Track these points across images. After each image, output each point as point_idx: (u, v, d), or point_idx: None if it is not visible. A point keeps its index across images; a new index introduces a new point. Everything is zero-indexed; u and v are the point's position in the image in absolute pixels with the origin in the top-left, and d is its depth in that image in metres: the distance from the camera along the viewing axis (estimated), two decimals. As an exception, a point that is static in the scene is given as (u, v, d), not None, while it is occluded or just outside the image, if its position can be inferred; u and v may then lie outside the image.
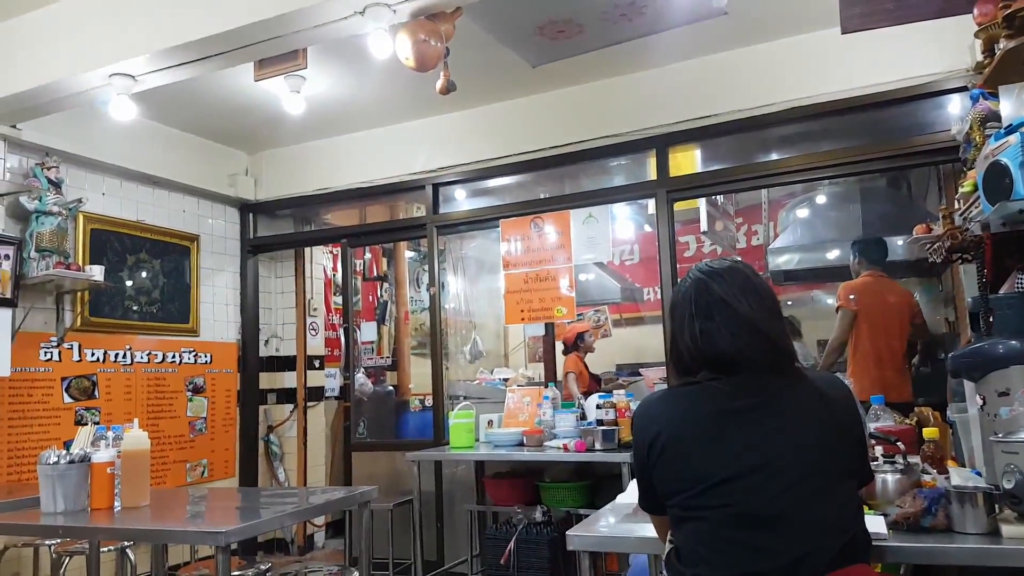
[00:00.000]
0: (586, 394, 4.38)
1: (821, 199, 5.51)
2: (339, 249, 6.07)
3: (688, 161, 4.42)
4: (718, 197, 5.18)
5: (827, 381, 1.57)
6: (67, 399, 4.25)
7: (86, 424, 4.15)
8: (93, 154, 4.37)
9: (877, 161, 3.92)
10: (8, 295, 3.79)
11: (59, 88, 3.47)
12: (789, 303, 6.25)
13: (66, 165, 4.21)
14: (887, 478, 1.76)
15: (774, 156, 4.28)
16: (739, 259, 1.67)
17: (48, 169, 4.04)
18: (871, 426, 2.04)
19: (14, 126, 3.90)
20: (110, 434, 2.62)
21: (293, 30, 2.94)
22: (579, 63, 4.13)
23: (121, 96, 3.40)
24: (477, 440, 4.21)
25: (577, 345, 5.60)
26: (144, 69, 3.28)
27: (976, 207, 1.94)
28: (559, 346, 5.58)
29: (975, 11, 1.92)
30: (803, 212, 5.61)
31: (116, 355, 4.53)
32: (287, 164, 5.38)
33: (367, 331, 6.36)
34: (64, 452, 2.51)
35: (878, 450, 1.85)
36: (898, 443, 1.87)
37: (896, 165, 4.07)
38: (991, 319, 1.99)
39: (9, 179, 3.94)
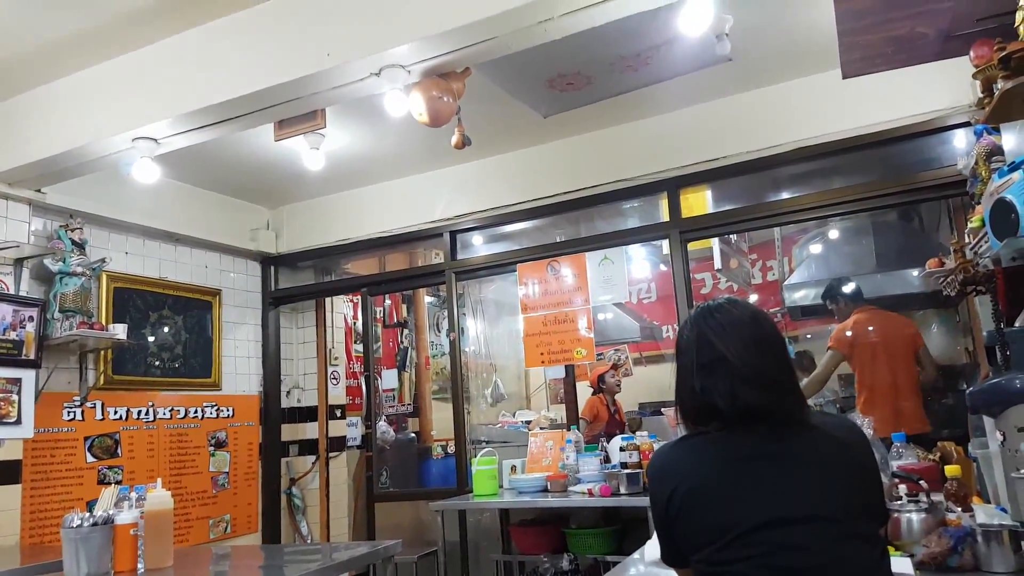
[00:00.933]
0: (609, 436, 4.34)
1: (834, 234, 5.53)
2: (359, 297, 6.13)
3: (700, 202, 4.47)
4: (732, 236, 5.22)
5: (842, 426, 1.54)
6: (90, 458, 4.26)
7: (109, 483, 4.17)
8: (116, 214, 4.46)
9: (886, 197, 3.95)
10: (32, 356, 3.83)
11: (84, 153, 3.57)
12: (808, 336, 6.23)
13: (90, 226, 4.29)
14: (912, 517, 1.74)
15: (785, 195, 4.31)
16: (741, 301, 1.61)
17: (72, 231, 4.12)
18: (893, 464, 2.02)
19: (39, 190, 3.99)
20: (133, 495, 2.61)
21: (312, 92, 3.04)
22: (589, 112, 4.23)
23: (144, 159, 3.50)
24: (501, 486, 4.19)
25: (600, 387, 5.59)
26: (167, 132, 3.38)
27: (985, 242, 1.96)
28: (582, 387, 5.58)
29: (971, 53, 1.96)
30: (816, 247, 5.64)
31: (139, 412, 4.57)
32: (307, 217, 5.49)
33: (388, 378, 6.38)
34: (87, 514, 2.49)
35: (901, 489, 1.82)
36: (921, 482, 1.85)
37: (905, 200, 4.10)
38: (1008, 352, 1.98)
39: (33, 242, 4.01)
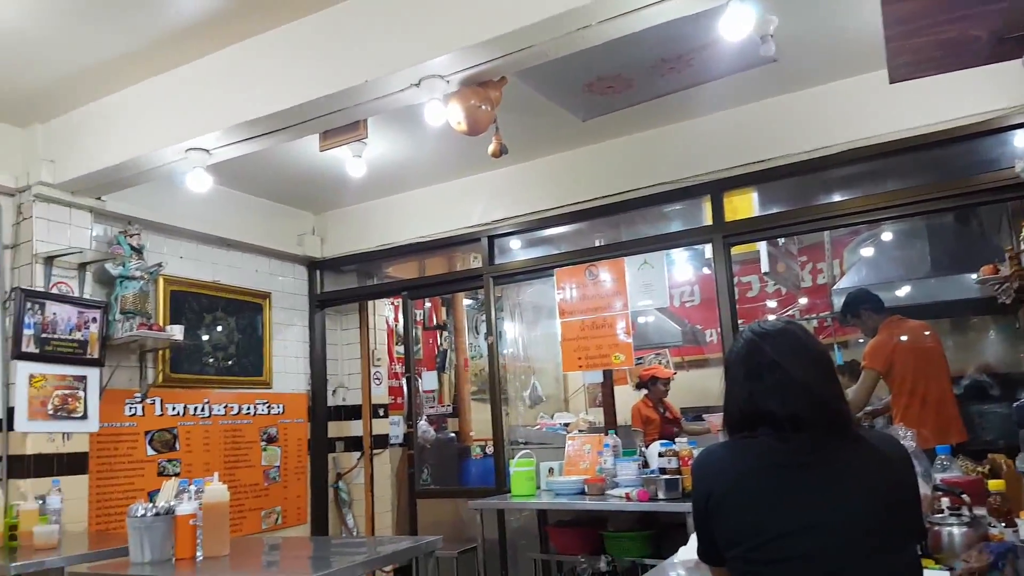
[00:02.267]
0: (666, 438, 4.31)
1: (887, 236, 5.38)
2: (400, 300, 6.25)
3: (745, 205, 4.39)
4: (779, 239, 5.14)
5: (885, 441, 1.57)
6: (150, 451, 4.47)
7: (168, 475, 4.36)
8: (172, 220, 4.66)
9: (941, 200, 3.80)
10: (96, 355, 4.05)
11: (140, 163, 3.75)
12: (860, 341, 6.09)
13: (147, 232, 4.48)
14: (953, 531, 1.72)
15: (835, 197, 4.19)
16: (792, 320, 1.72)
17: (131, 236, 4.31)
18: (937, 477, 2.00)
19: (99, 198, 4.19)
20: (192, 488, 2.76)
21: (355, 103, 3.13)
22: (629, 115, 4.20)
23: (197, 169, 3.65)
24: (538, 488, 4.24)
25: (648, 386, 5.56)
26: (217, 143, 3.52)
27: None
28: (620, 391, 5.55)
29: (1024, 58, 1.91)
30: (868, 250, 5.49)
31: (195, 408, 4.75)
32: (351, 222, 5.62)
33: (428, 380, 6.49)
34: (151, 505, 2.65)
35: (944, 502, 1.81)
36: (964, 495, 1.83)
37: (961, 204, 3.94)
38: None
39: (95, 247, 4.21)
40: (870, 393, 4.19)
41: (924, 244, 5.04)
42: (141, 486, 4.33)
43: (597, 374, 5.00)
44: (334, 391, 5.83)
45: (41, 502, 3.40)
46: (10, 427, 3.76)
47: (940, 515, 1.80)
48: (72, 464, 3.92)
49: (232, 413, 4.99)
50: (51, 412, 3.83)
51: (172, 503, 2.68)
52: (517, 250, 5.20)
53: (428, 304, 6.83)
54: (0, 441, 3.77)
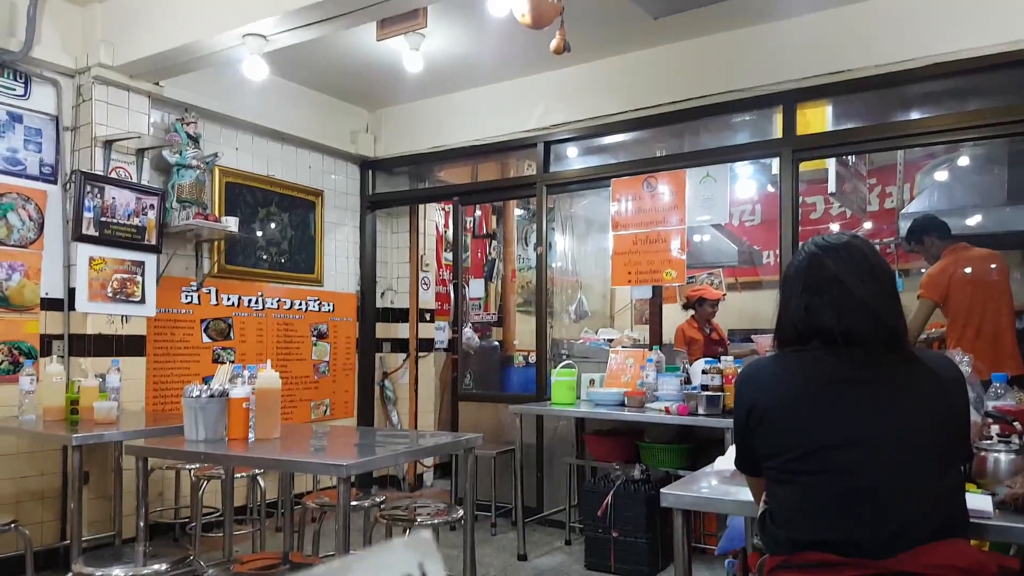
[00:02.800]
0: (711, 359, 4.27)
1: (964, 161, 5.10)
2: (451, 206, 6.22)
3: (818, 119, 4.18)
4: (849, 157, 4.90)
5: (940, 362, 1.53)
6: (205, 339, 4.63)
7: (223, 362, 4.53)
8: (228, 111, 4.66)
9: (1027, 122, 3.56)
10: (154, 242, 4.16)
11: (197, 48, 3.72)
12: (923, 271, 5.87)
13: (203, 120, 4.50)
14: (1000, 457, 1.69)
15: (914, 115, 3.98)
16: (858, 234, 1.64)
17: (187, 124, 4.34)
18: (989, 404, 1.94)
19: (157, 83, 4.19)
20: (246, 372, 2.84)
21: (414, -13, 3.02)
22: (704, 14, 3.97)
23: (254, 56, 3.60)
24: (578, 398, 4.27)
25: (695, 306, 5.48)
26: (274, 29, 3.46)
27: None
28: (668, 309, 5.49)
29: None
30: (942, 174, 5.22)
31: (249, 300, 4.88)
32: (405, 121, 5.54)
33: (475, 288, 6.52)
34: (205, 387, 2.74)
35: (993, 429, 1.76)
36: (1015, 423, 1.77)
37: None
38: None
39: (153, 134, 4.26)
40: (924, 323, 4.07)
41: (1003, 170, 4.77)
42: (196, 371, 4.52)
43: (646, 290, 4.92)
44: (383, 293, 5.91)
45: (101, 380, 3.53)
46: (71, 307, 3.93)
47: (988, 441, 1.75)
48: (130, 346, 4.10)
49: (284, 308, 5.11)
50: (110, 295, 3.97)
51: (226, 386, 2.76)
52: (573, 158, 5.07)
53: (479, 212, 6.80)
54: (62, 320, 3.94)
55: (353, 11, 3.23)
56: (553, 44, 2.99)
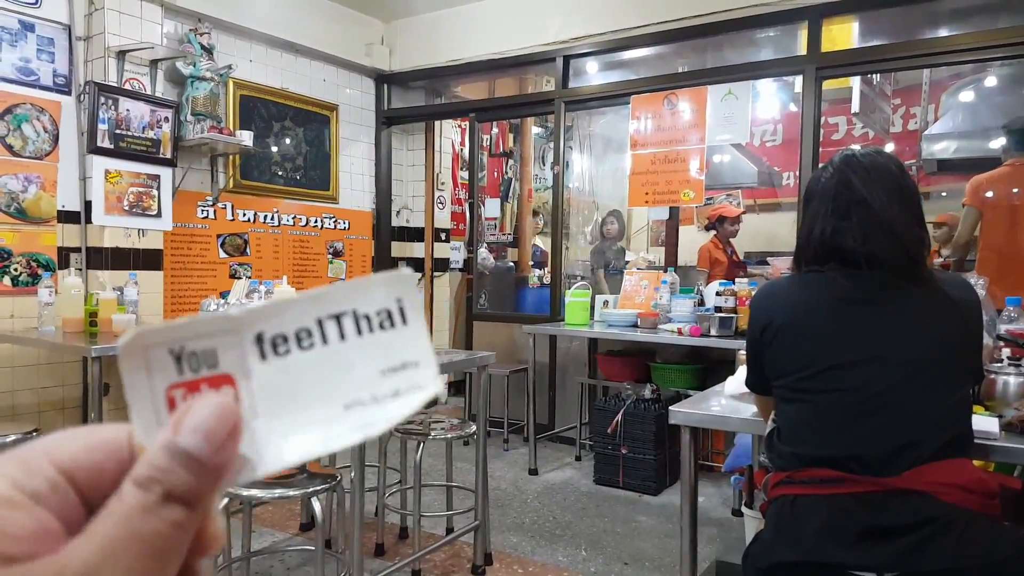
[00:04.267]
0: (731, 280, 4.24)
1: (991, 81, 4.93)
2: (467, 123, 6.13)
3: (844, 35, 4.04)
4: (874, 76, 4.75)
5: (957, 284, 1.52)
6: (222, 254, 4.67)
7: (239, 278, 4.58)
8: (241, 21, 4.55)
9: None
10: (169, 155, 4.13)
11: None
12: (944, 194, 5.78)
13: (217, 31, 4.41)
14: (1009, 380, 1.70)
15: (943, 32, 3.85)
16: (887, 151, 1.60)
17: (201, 35, 4.24)
18: (1002, 327, 1.94)
19: (169, -10, 4.11)
20: (262, 288, 2.89)
21: None
22: (729, -77, 3.80)
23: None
24: (592, 318, 4.31)
25: (715, 227, 5.43)
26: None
27: None
28: (685, 231, 5.45)
29: None
30: (968, 96, 5.05)
31: (265, 216, 4.89)
32: (420, 33, 5.40)
33: (491, 207, 6.50)
34: (222, 301, 2.79)
35: (1004, 352, 1.77)
36: (1026, 346, 1.78)
37: None
38: None
39: (166, 44, 4.17)
40: (971, 231, 3.94)
41: (1030, 91, 4.60)
42: (213, 286, 4.57)
43: (663, 211, 4.89)
44: (398, 212, 5.90)
45: (119, 293, 3.56)
46: (88, 220, 3.94)
47: (999, 364, 1.76)
48: (147, 260, 4.12)
49: (300, 224, 5.12)
50: (127, 208, 3.98)
51: (243, 301, 2.80)
52: (593, 74, 4.95)
53: (495, 130, 6.70)
54: (79, 233, 3.98)
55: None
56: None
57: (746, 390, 1.76)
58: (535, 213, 6.78)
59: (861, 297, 1.46)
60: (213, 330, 0.32)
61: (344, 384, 0.32)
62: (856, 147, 1.60)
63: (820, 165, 2.05)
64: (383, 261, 5.78)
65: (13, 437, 3.05)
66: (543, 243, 6.50)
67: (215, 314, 0.32)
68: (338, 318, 0.33)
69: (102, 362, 3.08)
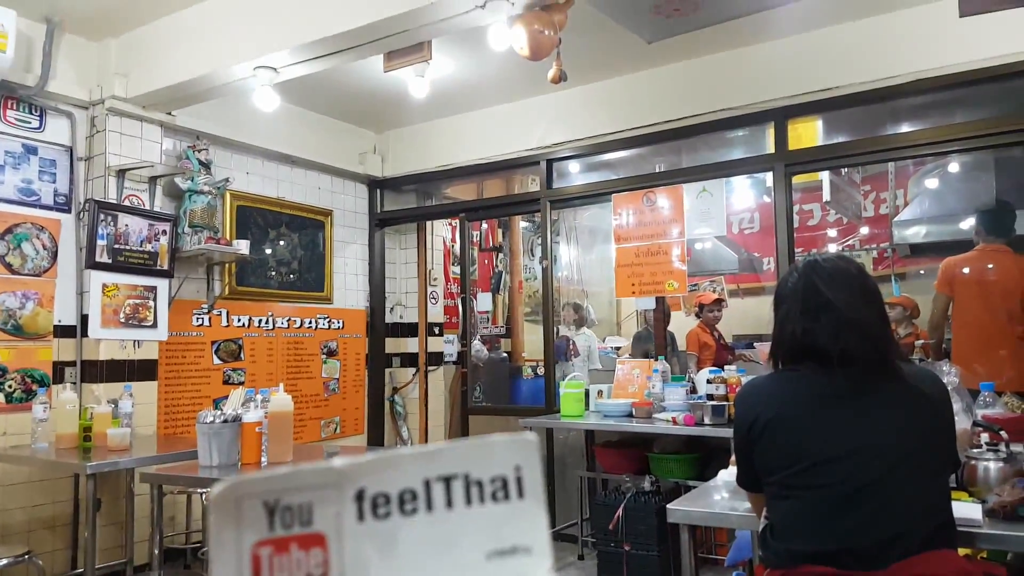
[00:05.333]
0: (721, 365, 4.34)
1: (952, 168, 5.20)
2: (458, 222, 6.31)
3: (809, 133, 4.29)
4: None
5: (925, 378, 1.62)
6: (216, 360, 4.69)
7: (233, 384, 4.59)
8: (239, 136, 4.74)
9: (1014, 134, 3.66)
10: (166, 267, 4.21)
11: (209, 80, 3.82)
12: (921, 272, 5.96)
13: (215, 147, 4.58)
14: (989, 466, 1.77)
15: (902, 128, 4.09)
16: (848, 255, 1.73)
17: (199, 151, 4.41)
18: (978, 413, 2.02)
19: (170, 113, 4.28)
20: (258, 397, 2.90)
21: (420, 24, 3.12)
22: (695, 37, 4.06)
23: (264, 87, 3.71)
24: (587, 409, 4.35)
25: (701, 313, 5.55)
26: (285, 62, 3.56)
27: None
28: (675, 317, 5.58)
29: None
30: (932, 182, 5.32)
31: (259, 321, 4.96)
32: (411, 142, 5.65)
33: (483, 301, 6.62)
34: (219, 412, 2.79)
35: (983, 437, 1.84)
36: (1002, 432, 1.86)
37: None
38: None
39: (165, 161, 4.32)
40: (939, 316, 4.06)
41: (991, 177, 4.86)
42: (208, 393, 4.58)
43: (650, 301, 5.01)
44: (392, 308, 6.00)
45: (113, 406, 3.56)
46: (84, 334, 3.98)
47: (978, 450, 1.83)
48: (143, 370, 4.14)
49: (295, 326, 5.19)
50: (123, 320, 4.02)
51: (239, 411, 2.81)
52: (575, 174, 5.18)
53: (485, 226, 6.90)
54: (75, 347, 4.01)
55: (361, 45, 3.33)
56: (551, 74, 3.09)
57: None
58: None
59: (838, 393, 1.55)
60: (313, 483, 0.30)
61: (444, 565, 0.29)
62: (817, 252, 1.73)
63: (788, 268, 2.19)
64: (377, 358, 5.84)
65: (5, 561, 3.01)
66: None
67: (318, 465, 0.31)
68: (448, 481, 0.30)
69: (96, 479, 3.05)
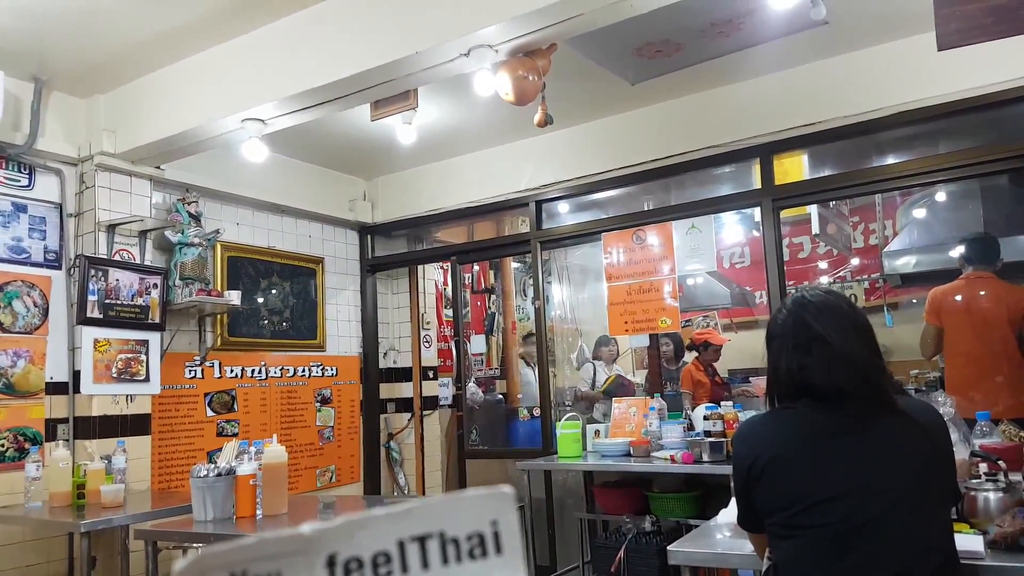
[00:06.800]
0: (716, 402, 4.31)
1: (940, 197, 5.26)
2: (449, 265, 6.32)
3: (795, 168, 4.33)
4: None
5: (922, 410, 1.61)
6: (209, 412, 4.65)
7: (227, 436, 4.55)
8: (228, 188, 4.77)
9: (995, 163, 3.71)
10: (157, 320, 4.20)
11: (198, 133, 3.84)
12: (914, 301, 5.97)
13: (204, 199, 4.61)
14: (989, 496, 1.76)
15: (887, 160, 4.12)
16: (835, 290, 1.73)
17: (188, 204, 4.42)
18: (975, 443, 2.01)
19: (159, 167, 4.30)
20: (252, 449, 2.87)
21: (405, 73, 3.16)
22: (678, 78, 4.16)
23: (252, 139, 3.74)
24: (585, 449, 4.32)
25: (699, 349, 5.53)
26: (272, 114, 3.60)
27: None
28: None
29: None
30: (920, 212, 5.37)
31: (252, 371, 4.93)
32: (401, 187, 5.70)
33: (476, 343, 6.59)
34: (213, 466, 2.77)
35: (982, 468, 1.83)
36: (1000, 462, 1.85)
37: (1016, 166, 3.78)
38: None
39: (155, 215, 4.33)
40: (930, 346, 4.06)
41: (977, 205, 4.91)
42: (201, 446, 4.53)
43: (643, 338, 5.01)
44: (385, 354, 5.98)
45: (107, 462, 3.54)
46: (76, 390, 3.95)
47: (977, 480, 1.82)
48: (135, 425, 4.10)
49: (288, 375, 5.16)
50: (115, 375, 3.99)
51: (233, 464, 2.78)
52: (565, 214, 5.21)
53: (476, 268, 6.91)
54: (67, 403, 3.97)
55: (347, 95, 3.37)
56: (536, 118, 3.14)
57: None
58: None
59: (836, 430, 1.53)
60: (281, 551, 0.29)
61: None
62: (806, 288, 1.74)
63: (777, 306, 2.20)
64: (372, 403, 5.79)
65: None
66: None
67: (285, 532, 0.29)
68: (422, 541, 0.29)
69: (91, 537, 3.02)
